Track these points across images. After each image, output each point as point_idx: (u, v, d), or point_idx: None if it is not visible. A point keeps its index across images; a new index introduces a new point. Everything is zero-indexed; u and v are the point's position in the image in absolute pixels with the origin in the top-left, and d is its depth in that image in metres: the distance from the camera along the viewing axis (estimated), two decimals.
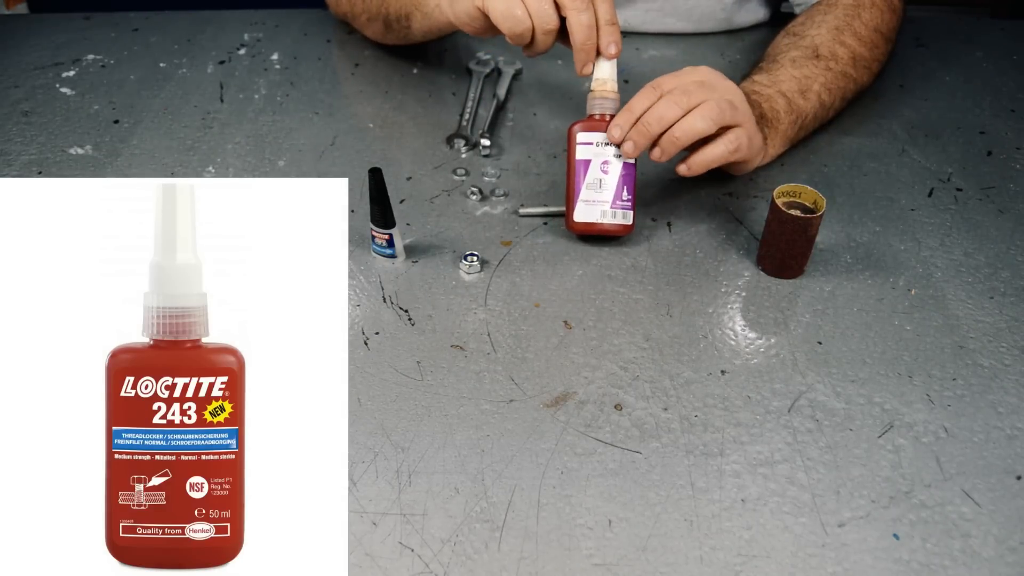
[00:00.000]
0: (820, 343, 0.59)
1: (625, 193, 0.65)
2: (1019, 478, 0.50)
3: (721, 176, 0.75)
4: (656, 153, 0.64)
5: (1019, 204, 0.73)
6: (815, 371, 0.57)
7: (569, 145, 0.66)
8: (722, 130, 0.64)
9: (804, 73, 0.76)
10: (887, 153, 0.79)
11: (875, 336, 0.60)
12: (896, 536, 0.47)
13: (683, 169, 0.66)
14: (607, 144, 0.65)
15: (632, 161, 0.65)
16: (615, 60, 0.65)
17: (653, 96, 0.63)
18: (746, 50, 0.96)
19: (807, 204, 0.63)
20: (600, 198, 0.65)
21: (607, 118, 0.65)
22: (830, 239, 0.68)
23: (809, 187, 0.62)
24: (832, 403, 0.55)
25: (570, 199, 0.66)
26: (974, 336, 0.60)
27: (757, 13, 0.98)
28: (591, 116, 0.66)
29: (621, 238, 0.68)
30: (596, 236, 0.68)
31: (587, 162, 0.65)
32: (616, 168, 0.65)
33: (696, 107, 0.62)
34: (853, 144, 0.80)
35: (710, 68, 0.66)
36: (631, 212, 0.66)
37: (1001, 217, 0.71)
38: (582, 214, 0.65)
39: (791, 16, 0.94)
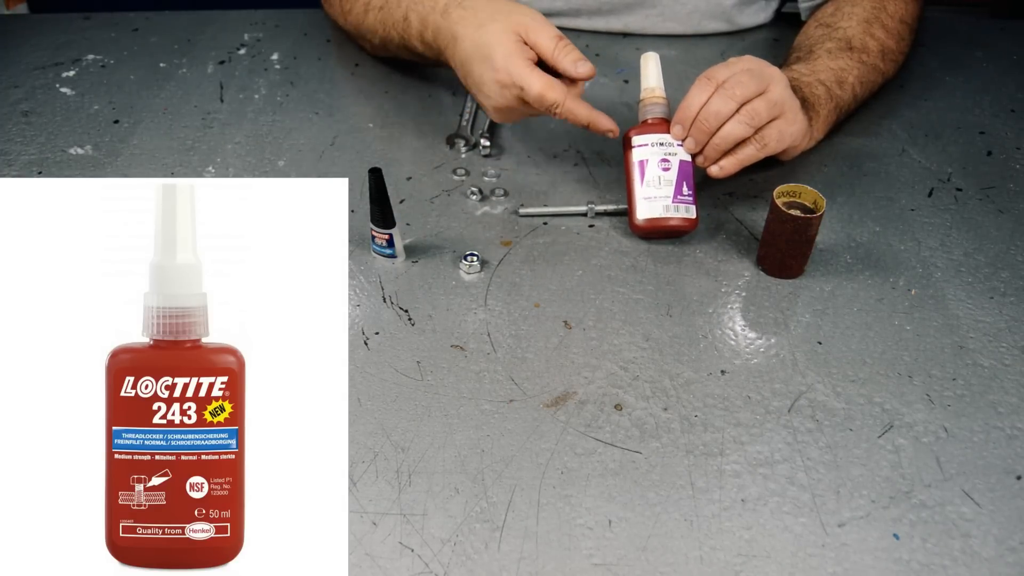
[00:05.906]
0: (820, 343, 0.59)
1: (685, 188, 0.66)
2: (1019, 478, 0.50)
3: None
4: (700, 160, 0.66)
5: (1019, 204, 0.73)
6: (815, 371, 0.57)
7: (626, 151, 0.68)
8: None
9: (840, 65, 0.78)
10: (887, 153, 0.79)
11: (875, 336, 0.60)
12: (896, 536, 0.47)
13: (715, 170, 0.66)
14: (662, 144, 0.66)
15: (688, 159, 0.67)
16: (660, 68, 0.68)
17: (707, 88, 0.65)
18: (746, 51, 0.96)
19: (807, 204, 0.63)
20: (661, 194, 0.66)
21: (660, 121, 0.67)
22: (830, 239, 0.68)
23: (809, 187, 0.62)
24: (832, 403, 0.55)
25: (631, 201, 0.67)
26: (974, 336, 0.60)
27: (759, 15, 0.98)
28: (644, 121, 0.68)
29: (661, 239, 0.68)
30: (662, 236, 0.68)
31: (644, 162, 0.66)
32: (674, 164, 0.66)
33: (743, 106, 0.64)
34: (853, 144, 0.80)
35: (753, 56, 0.68)
36: (693, 207, 0.66)
37: (1001, 217, 0.71)
38: (644, 211, 0.66)
39: (794, 17, 0.94)
